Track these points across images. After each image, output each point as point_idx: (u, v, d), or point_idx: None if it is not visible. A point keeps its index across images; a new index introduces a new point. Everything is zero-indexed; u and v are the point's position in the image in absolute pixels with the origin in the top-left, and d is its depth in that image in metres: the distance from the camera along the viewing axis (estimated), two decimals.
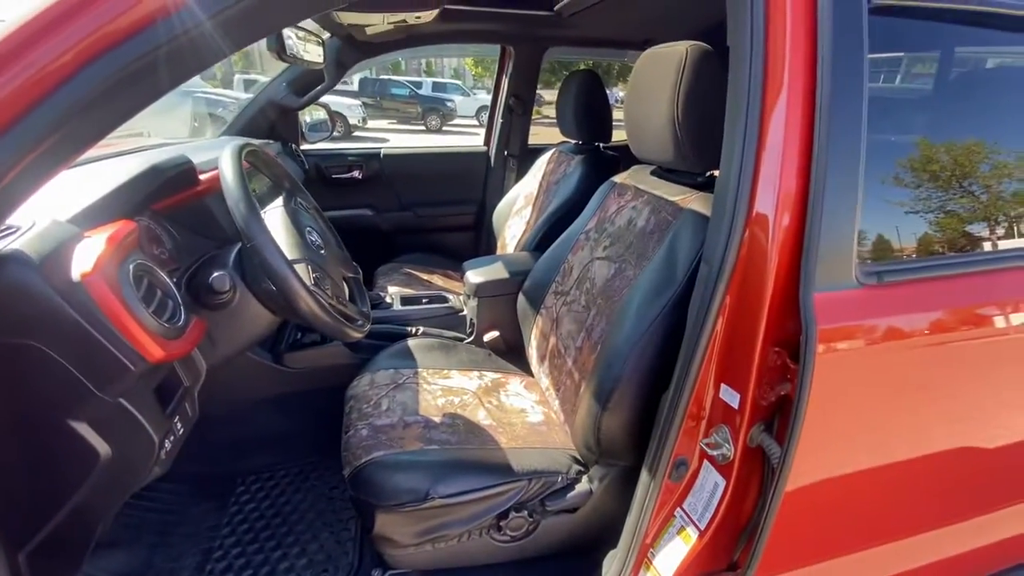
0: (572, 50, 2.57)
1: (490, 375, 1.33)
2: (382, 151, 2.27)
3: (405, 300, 1.60)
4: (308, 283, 0.86)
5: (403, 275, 1.92)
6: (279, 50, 1.05)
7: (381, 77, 14.99)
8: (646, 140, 1.02)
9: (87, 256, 0.61)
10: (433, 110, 13.50)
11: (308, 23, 1.56)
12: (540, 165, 1.97)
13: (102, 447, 0.64)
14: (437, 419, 1.11)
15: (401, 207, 2.29)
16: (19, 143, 0.49)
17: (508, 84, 2.18)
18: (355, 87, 13.86)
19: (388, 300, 1.57)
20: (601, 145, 1.81)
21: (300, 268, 0.86)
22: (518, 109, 2.20)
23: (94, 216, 0.73)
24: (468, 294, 1.49)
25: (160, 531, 1.14)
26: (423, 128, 13.21)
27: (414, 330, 1.49)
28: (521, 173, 2.12)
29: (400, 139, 11.09)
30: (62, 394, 0.60)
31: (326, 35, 1.68)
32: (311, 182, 2.08)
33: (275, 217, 0.95)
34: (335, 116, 2.24)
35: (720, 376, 0.75)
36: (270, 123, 1.92)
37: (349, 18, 1.46)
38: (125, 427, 0.65)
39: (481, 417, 1.15)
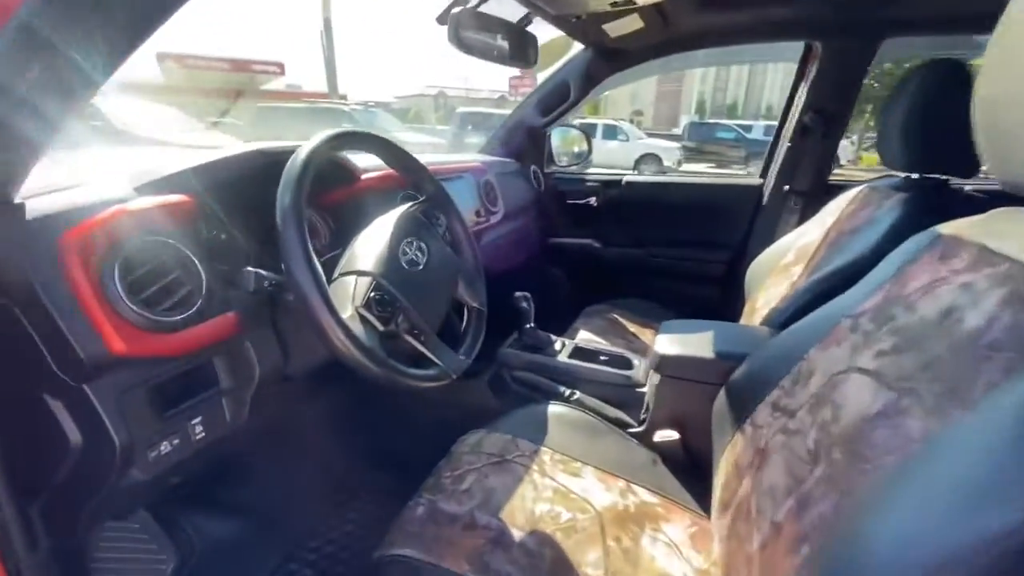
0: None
1: (642, 494, 0.89)
2: (624, 178, 1.99)
3: (577, 352, 1.26)
4: (357, 302, 0.67)
5: (606, 321, 1.58)
6: (456, 40, 0.93)
7: (707, 121, 14.71)
8: (1015, 145, 0.45)
9: (80, 223, 0.56)
10: (758, 153, 12.32)
11: (553, 31, 1.42)
12: (835, 207, 1.33)
13: (73, 434, 0.59)
14: (518, 534, 0.76)
15: (634, 242, 1.94)
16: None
17: (807, 95, 1.57)
18: (680, 131, 14.08)
19: (557, 347, 1.26)
20: (952, 181, 1.08)
21: (349, 280, 0.68)
22: (817, 129, 1.54)
23: (172, 187, 0.69)
24: (652, 366, 1.06)
25: (272, 518, 1.15)
26: (742, 171, 12.21)
27: (568, 392, 1.15)
28: (806, 218, 1.49)
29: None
30: (33, 365, 0.56)
31: (548, 36, 1.52)
32: (545, 205, 1.98)
33: (379, 221, 0.80)
34: (589, 139, 2.11)
35: None
36: (518, 142, 1.91)
37: (588, 8, 1.24)
38: (89, 418, 0.59)
39: (589, 561, 0.74)
